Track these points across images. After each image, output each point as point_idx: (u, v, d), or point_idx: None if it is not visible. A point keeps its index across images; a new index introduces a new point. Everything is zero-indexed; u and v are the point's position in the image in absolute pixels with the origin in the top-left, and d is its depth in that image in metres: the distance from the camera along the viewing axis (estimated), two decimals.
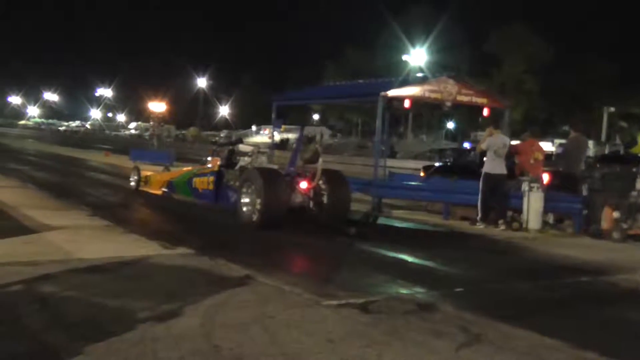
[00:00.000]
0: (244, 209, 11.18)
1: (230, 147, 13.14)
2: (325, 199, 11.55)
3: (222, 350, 4.69)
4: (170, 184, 14.32)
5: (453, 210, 13.95)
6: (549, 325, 5.95)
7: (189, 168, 14.63)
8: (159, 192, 14.74)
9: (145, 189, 15.34)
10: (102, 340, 4.68)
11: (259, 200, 10.67)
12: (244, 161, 12.59)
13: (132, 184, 15.78)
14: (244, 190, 11.23)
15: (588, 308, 7.12)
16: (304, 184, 11.49)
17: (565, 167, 14.63)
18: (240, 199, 11.31)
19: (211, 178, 12.62)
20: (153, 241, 8.94)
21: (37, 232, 9.07)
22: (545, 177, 13.58)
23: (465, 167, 18.49)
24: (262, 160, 12.70)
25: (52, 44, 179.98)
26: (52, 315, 5.28)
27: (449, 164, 22.26)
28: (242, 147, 13.16)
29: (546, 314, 6.64)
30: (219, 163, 12.75)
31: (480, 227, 12.67)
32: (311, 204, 11.63)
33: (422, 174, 20.10)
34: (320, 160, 11.60)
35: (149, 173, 15.94)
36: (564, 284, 8.36)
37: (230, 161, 12.74)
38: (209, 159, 13.41)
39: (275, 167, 12.41)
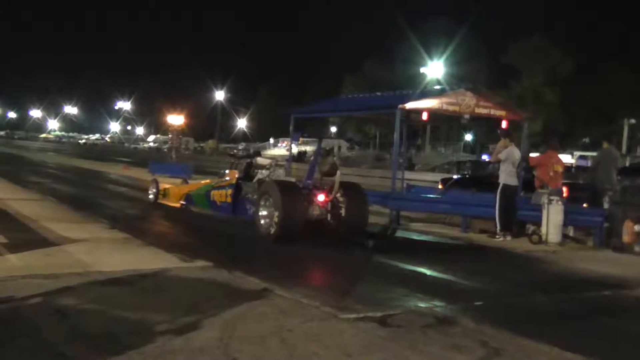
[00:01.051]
0: (262, 221, 11.20)
1: (248, 160, 13.18)
2: (343, 212, 11.52)
3: None
4: (188, 197, 14.41)
5: (472, 223, 13.87)
6: (570, 339, 5.89)
7: (207, 181, 14.71)
8: (177, 204, 14.82)
9: (164, 201, 15.42)
10: (121, 353, 4.69)
11: (276, 213, 10.66)
12: (261, 174, 12.63)
13: (151, 196, 15.87)
14: (262, 203, 11.25)
15: (610, 322, 7.04)
16: (321, 197, 11.45)
17: (595, 179, 14.34)
18: (258, 212, 11.32)
19: (229, 191, 12.68)
20: (171, 254, 8.96)
21: (57, 245, 9.11)
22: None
23: (483, 179, 18.45)
24: (280, 173, 12.71)
25: (71, 58, 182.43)
26: (71, 328, 5.30)
27: (467, 176, 22.22)
28: (259, 159, 13.19)
29: (567, 328, 6.57)
30: (236, 176, 12.81)
31: (499, 239, 12.60)
32: (329, 216, 11.60)
33: (440, 186, 20.05)
34: (338, 172, 11.58)
35: (167, 186, 16.03)
36: (585, 298, 8.29)
37: (248, 174, 12.80)
38: (227, 171, 13.47)
39: (293, 179, 12.42)
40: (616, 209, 12.51)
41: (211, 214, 13.58)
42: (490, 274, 9.44)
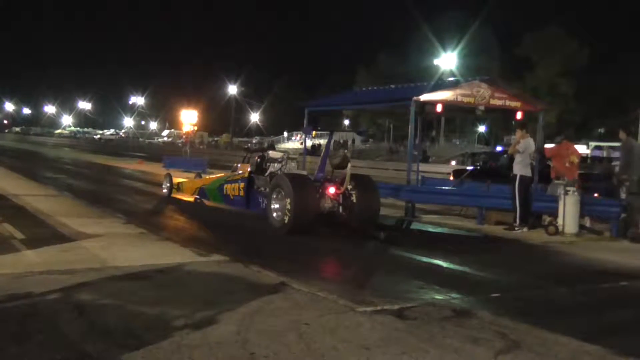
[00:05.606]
0: (274, 214, 11.28)
1: (261, 154, 13.19)
2: (354, 204, 11.52)
3: (258, 358, 4.67)
4: (202, 191, 14.52)
5: (487, 215, 13.80)
6: (589, 331, 5.84)
7: (221, 175, 14.77)
8: (191, 198, 14.91)
9: (178, 195, 15.51)
10: (139, 348, 4.70)
11: (288, 206, 10.73)
12: (273, 167, 12.70)
13: (165, 190, 16.02)
14: (274, 196, 11.32)
15: (628, 313, 7.00)
16: (332, 189, 11.48)
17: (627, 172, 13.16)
18: (270, 205, 11.39)
19: (242, 184, 12.76)
20: (187, 248, 9.00)
21: (74, 240, 9.17)
22: None
23: (495, 171, 18.42)
24: (292, 167, 12.79)
25: (86, 53, 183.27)
26: (89, 323, 5.31)
27: (478, 167, 22.09)
28: (272, 153, 13.22)
29: (586, 319, 6.53)
30: (249, 169, 12.87)
31: (518, 231, 12.51)
32: (340, 208, 11.59)
33: (451, 177, 19.99)
34: (349, 165, 11.54)
35: (181, 180, 16.11)
36: (603, 289, 8.23)
37: (260, 167, 12.84)
38: (239, 165, 13.52)
39: (305, 172, 12.45)
40: (633, 200, 12.39)
41: (225, 208, 13.64)
42: (507, 266, 9.39)
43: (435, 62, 56.48)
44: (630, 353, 5.25)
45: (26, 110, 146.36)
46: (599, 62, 62.30)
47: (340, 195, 11.53)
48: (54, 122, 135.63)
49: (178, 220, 12.86)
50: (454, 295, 7.10)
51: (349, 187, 11.52)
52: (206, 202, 14.48)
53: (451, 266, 9.05)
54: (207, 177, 15.75)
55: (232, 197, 13.16)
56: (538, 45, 61.36)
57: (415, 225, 13.40)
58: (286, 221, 10.81)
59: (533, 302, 7.21)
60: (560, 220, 12.36)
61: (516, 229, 12.64)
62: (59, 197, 15.27)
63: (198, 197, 14.72)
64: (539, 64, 62.29)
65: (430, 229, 13.17)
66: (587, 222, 13.09)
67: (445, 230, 13.12)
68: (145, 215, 12.84)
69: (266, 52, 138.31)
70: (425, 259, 9.43)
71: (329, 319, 5.71)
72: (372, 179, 12.37)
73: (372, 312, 6.06)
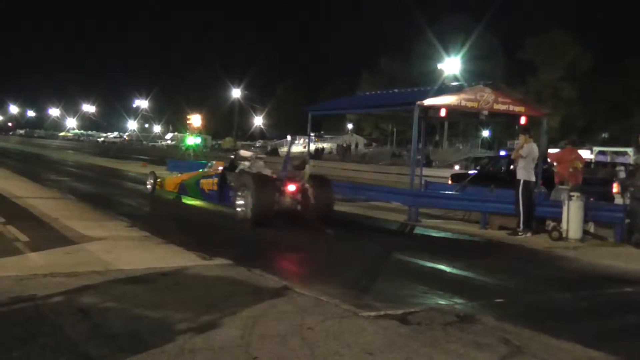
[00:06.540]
0: (239, 209, 12.66)
1: (233, 152, 14.92)
2: (311, 200, 12.62)
3: None
4: (182, 186, 15.92)
5: (490, 220, 13.77)
6: (593, 336, 5.84)
7: (199, 171, 15.95)
8: (172, 195, 16.42)
9: (162, 190, 16.99)
10: (142, 352, 4.70)
11: (251, 202, 12.18)
12: (243, 165, 14.05)
13: (149, 187, 17.48)
14: (239, 193, 12.72)
15: (632, 319, 6.98)
16: (291, 187, 12.67)
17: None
18: (236, 199, 12.66)
19: (215, 180, 14.20)
20: (191, 252, 8.98)
21: (78, 243, 9.17)
22: None
23: (495, 174, 18.45)
24: (260, 165, 14.07)
25: (90, 57, 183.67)
26: (93, 327, 5.31)
27: (477, 170, 22.03)
28: (242, 152, 15.15)
29: (589, 325, 6.51)
30: (220, 167, 14.43)
31: (522, 236, 12.49)
32: (299, 205, 12.70)
33: (449, 182, 19.98)
34: (307, 166, 13.08)
35: (163, 176, 17.67)
36: (606, 295, 8.22)
37: (232, 164, 14.35)
38: (214, 162, 15.18)
39: (269, 172, 13.68)
40: (637, 205, 12.35)
41: (229, 212, 13.63)
42: (511, 271, 9.38)
43: (439, 66, 56.42)
44: (635, 359, 5.24)
45: (30, 113, 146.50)
46: (602, 65, 62.28)
47: (299, 193, 12.66)
48: (58, 125, 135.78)
49: (181, 223, 12.86)
50: (457, 300, 7.10)
51: (307, 185, 12.66)
52: (185, 196, 15.82)
53: (454, 271, 9.03)
54: (187, 173, 17.09)
55: (207, 191, 14.54)
56: (541, 49, 61.45)
57: (419, 230, 13.40)
58: (249, 216, 12.20)
59: (536, 307, 7.20)
60: (564, 226, 12.33)
61: (519, 233, 12.62)
62: (62, 200, 15.28)
63: (179, 192, 16.06)
64: (542, 68, 62.33)
65: (434, 233, 13.17)
66: (591, 228, 13.05)
67: (448, 234, 13.11)
68: (148, 218, 12.88)
69: (269, 55, 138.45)
70: (428, 264, 9.43)
71: (333, 324, 5.70)
72: (327, 177, 13.81)
73: (375, 316, 6.05)
